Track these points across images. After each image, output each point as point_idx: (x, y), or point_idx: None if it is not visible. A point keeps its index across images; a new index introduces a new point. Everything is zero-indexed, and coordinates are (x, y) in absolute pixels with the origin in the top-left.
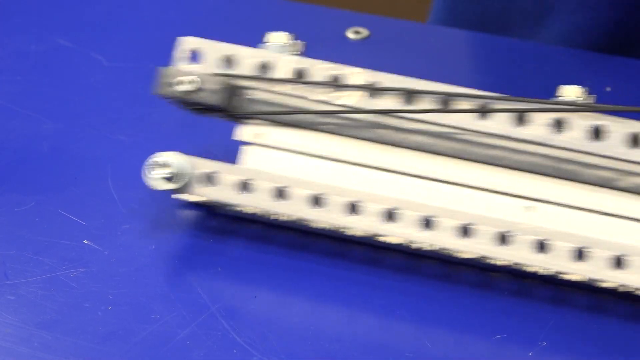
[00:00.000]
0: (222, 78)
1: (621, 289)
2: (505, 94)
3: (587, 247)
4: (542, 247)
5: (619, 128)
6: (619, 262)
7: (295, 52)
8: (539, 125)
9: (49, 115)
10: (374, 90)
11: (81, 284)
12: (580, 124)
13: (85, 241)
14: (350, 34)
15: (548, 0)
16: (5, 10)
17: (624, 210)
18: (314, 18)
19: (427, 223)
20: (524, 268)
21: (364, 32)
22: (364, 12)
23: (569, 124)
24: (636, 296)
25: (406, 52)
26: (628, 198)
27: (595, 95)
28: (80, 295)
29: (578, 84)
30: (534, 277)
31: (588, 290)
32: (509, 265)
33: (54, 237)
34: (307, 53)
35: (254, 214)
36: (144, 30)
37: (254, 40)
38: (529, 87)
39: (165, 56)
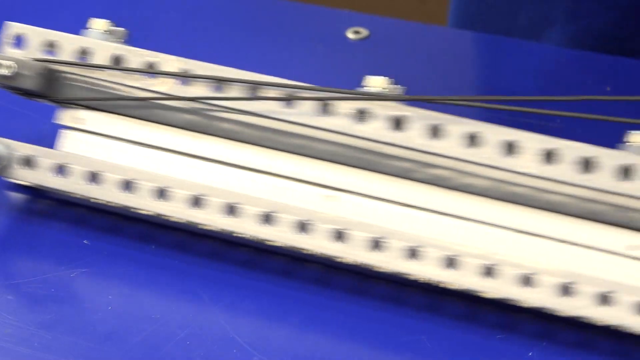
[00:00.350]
0: (41, 63)
1: (421, 281)
2: (504, 94)
3: (384, 238)
4: (340, 236)
5: (419, 119)
6: (413, 253)
7: (117, 39)
8: (342, 115)
9: (49, 115)
10: (185, 77)
11: (81, 284)
12: (382, 115)
13: (85, 241)
14: (350, 34)
15: (543, 14)
16: (5, 10)
17: (420, 201)
18: (314, 18)
19: (232, 210)
20: (333, 258)
21: (364, 32)
22: (364, 12)
23: (372, 115)
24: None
25: (406, 52)
26: (425, 189)
27: (405, 87)
28: (80, 295)
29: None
30: (338, 267)
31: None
32: (315, 254)
33: (54, 237)
34: (306, 53)
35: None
36: (145, 31)
37: (255, 41)
38: (530, 87)
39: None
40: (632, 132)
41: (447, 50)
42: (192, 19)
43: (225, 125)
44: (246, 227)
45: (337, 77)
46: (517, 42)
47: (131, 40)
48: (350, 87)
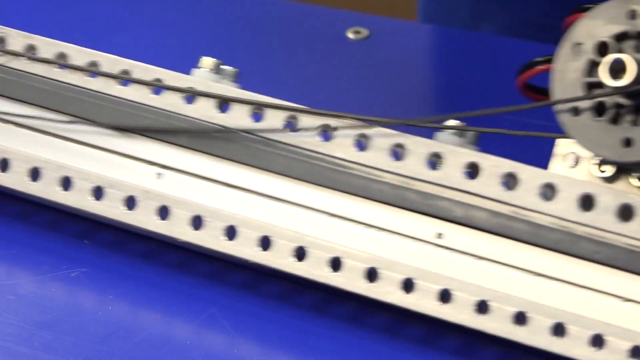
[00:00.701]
0: None
1: (234, 260)
2: (500, 92)
3: (204, 216)
4: (165, 212)
5: (242, 102)
6: (231, 232)
7: None
8: (173, 95)
9: None
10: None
11: (81, 284)
12: (209, 99)
13: (85, 241)
14: (350, 34)
15: (479, 8)
16: None
17: (241, 182)
18: (314, 18)
19: (65, 182)
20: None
21: (364, 32)
22: (364, 12)
23: (199, 96)
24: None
25: (406, 52)
26: (247, 170)
27: (237, 70)
28: (80, 295)
29: None
30: (166, 243)
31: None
32: (143, 231)
33: (55, 237)
34: (307, 53)
35: None
36: (137, 32)
37: (256, 41)
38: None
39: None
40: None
41: (445, 50)
42: (198, 20)
43: (69, 100)
44: (77, 201)
45: (337, 77)
46: (511, 40)
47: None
48: (349, 87)
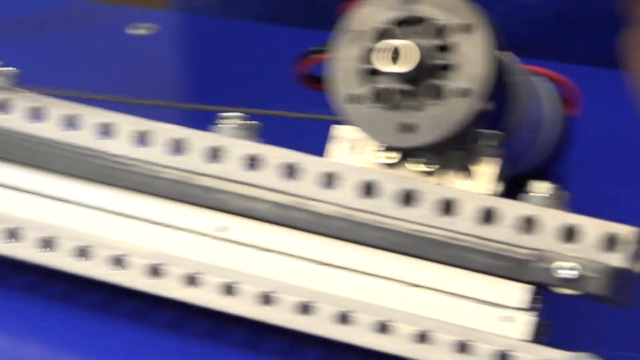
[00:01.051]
0: None
1: (18, 262)
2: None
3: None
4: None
5: (23, 103)
6: (12, 234)
7: None
8: None
9: None
10: None
11: None
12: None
13: None
14: (135, 30)
15: None
16: None
17: (16, 182)
18: (93, 14)
19: None
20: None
21: (150, 27)
22: (149, 7)
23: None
24: None
25: (193, 46)
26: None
27: (19, 70)
28: None
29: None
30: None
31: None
32: None
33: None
34: (88, 48)
35: None
36: None
37: (36, 40)
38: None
39: None
40: (224, 114)
41: (235, 42)
42: None
43: None
44: None
45: (117, 74)
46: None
47: None
48: (133, 82)
